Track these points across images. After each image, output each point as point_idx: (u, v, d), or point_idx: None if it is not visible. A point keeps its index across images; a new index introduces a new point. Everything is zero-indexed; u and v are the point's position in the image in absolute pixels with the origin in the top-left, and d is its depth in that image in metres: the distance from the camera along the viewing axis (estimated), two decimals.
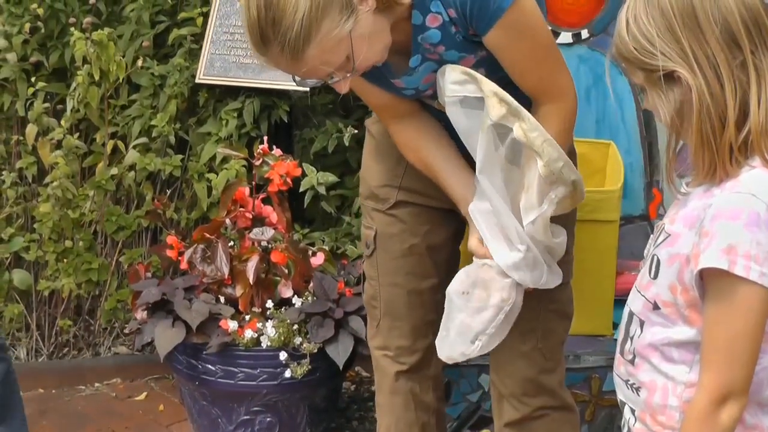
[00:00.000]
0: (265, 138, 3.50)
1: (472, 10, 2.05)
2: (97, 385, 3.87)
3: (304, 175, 3.52)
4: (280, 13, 1.92)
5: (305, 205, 3.67)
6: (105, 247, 4.04)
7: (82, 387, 3.85)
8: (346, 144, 3.68)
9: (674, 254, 1.69)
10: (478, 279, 2.20)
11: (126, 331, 4.04)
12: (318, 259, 3.32)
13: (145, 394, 3.80)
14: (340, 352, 3.10)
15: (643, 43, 1.65)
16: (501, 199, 2.13)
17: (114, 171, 3.84)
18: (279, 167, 3.28)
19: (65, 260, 3.77)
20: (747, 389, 1.64)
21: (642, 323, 1.75)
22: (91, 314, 4.06)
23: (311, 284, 3.24)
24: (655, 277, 1.72)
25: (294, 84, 2.13)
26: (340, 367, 3.12)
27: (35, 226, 3.75)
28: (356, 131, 3.66)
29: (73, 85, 3.78)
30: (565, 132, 2.18)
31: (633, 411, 1.80)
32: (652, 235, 1.79)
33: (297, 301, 3.21)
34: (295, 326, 3.14)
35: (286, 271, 3.27)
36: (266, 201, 3.38)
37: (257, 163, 3.34)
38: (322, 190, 3.56)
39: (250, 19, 1.96)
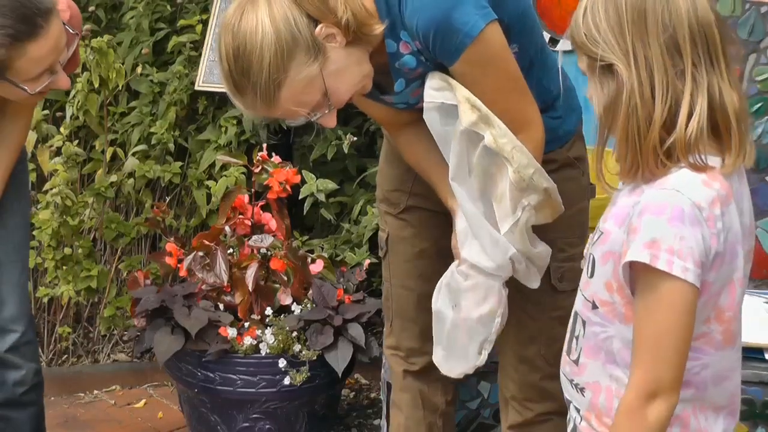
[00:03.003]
0: (264, 145, 3.50)
1: (435, 44, 2.07)
2: (96, 392, 3.86)
3: (303, 182, 3.52)
4: (248, 63, 2.00)
5: (304, 213, 3.68)
6: (104, 254, 4.04)
7: (81, 394, 3.85)
8: (345, 151, 3.68)
9: (607, 252, 1.71)
10: (460, 289, 2.22)
11: (125, 338, 4.06)
12: (317, 267, 3.32)
13: (144, 401, 3.80)
14: (339, 360, 3.10)
15: (592, 31, 1.68)
16: (474, 206, 2.15)
17: (113, 178, 3.84)
18: (278, 174, 3.28)
19: (64, 267, 3.77)
20: (676, 388, 1.64)
21: (584, 323, 1.77)
22: (90, 321, 4.06)
23: (310, 291, 3.24)
24: (592, 276, 1.74)
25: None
26: (339, 375, 3.12)
27: (34, 233, 3.75)
28: (355, 138, 3.66)
29: (73, 92, 3.78)
30: (537, 159, 2.18)
31: (578, 410, 1.81)
32: (591, 234, 1.80)
33: (296, 309, 3.21)
34: (294, 333, 3.14)
35: (286, 278, 3.27)
36: (265, 208, 3.38)
37: (256, 170, 3.34)
38: (321, 197, 3.56)
39: (224, 70, 2.05)
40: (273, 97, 2.02)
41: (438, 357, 2.33)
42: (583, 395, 1.78)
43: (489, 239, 2.15)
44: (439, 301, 2.29)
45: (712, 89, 1.65)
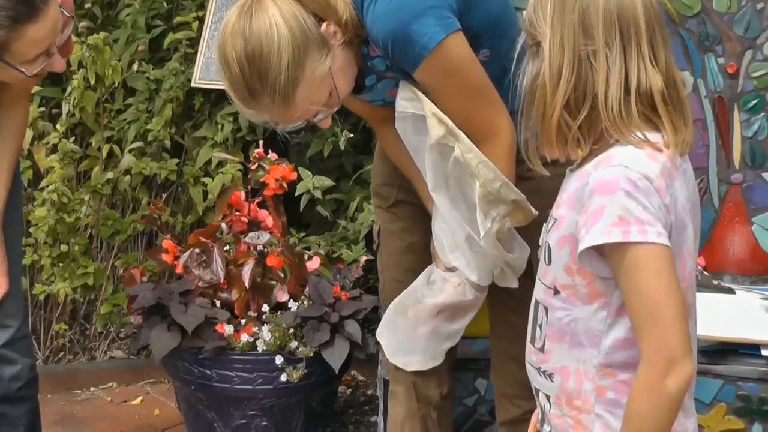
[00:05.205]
0: (261, 142, 3.50)
1: (393, 53, 2.09)
2: (92, 389, 3.87)
3: (299, 179, 3.52)
4: (265, 64, 2.00)
5: (301, 210, 3.68)
6: (101, 252, 4.04)
7: (77, 391, 3.85)
8: (342, 148, 3.68)
9: (561, 237, 1.72)
10: (446, 304, 2.27)
11: (121, 335, 4.06)
12: (314, 264, 3.32)
13: (140, 398, 3.80)
14: (335, 357, 3.10)
15: (531, 14, 1.73)
16: (456, 212, 2.18)
17: (109, 175, 3.84)
18: (274, 171, 3.28)
19: (61, 264, 3.76)
20: (687, 353, 1.62)
21: (547, 310, 1.78)
22: (86, 318, 4.06)
23: (307, 288, 3.24)
24: (549, 263, 1.75)
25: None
26: (336, 372, 3.12)
27: (31, 230, 3.75)
28: (351, 135, 3.66)
29: (69, 89, 3.78)
30: (505, 167, 2.17)
31: (548, 397, 1.81)
32: (544, 224, 1.81)
33: (293, 306, 3.21)
34: (291, 330, 3.14)
35: (282, 275, 3.27)
36: (262, 205, 3.38)
37: (253, 167, 3.34)
38: (317, 194, 3.56)
39: (233, 77, 2.03)
40: (291, 97, 2.03)
41: (389, 345, 2.36)
42: (552, 381, 1.79)
43: (471, 252, 2.18)
44: (422, 307, 2.30)
45: (630, 72, 1.67)
